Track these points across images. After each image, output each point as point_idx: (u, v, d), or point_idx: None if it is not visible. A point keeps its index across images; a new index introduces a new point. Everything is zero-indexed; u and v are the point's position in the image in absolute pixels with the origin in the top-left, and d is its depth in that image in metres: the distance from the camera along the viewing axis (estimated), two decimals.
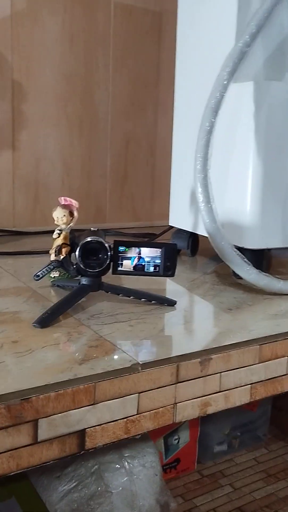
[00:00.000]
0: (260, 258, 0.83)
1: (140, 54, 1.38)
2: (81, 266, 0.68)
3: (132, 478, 0.89)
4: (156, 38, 1.39)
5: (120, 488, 0.87)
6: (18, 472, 0.46)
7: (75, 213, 0.80)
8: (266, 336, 0.61)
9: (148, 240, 1.17)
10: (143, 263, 0.70)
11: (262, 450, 1.33)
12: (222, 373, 0.57)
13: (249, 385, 0.59)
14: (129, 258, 0.70)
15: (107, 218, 1.42)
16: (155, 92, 1.42)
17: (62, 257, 0.76)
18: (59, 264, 0.73)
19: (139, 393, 0.51)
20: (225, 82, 0.73)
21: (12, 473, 0.46)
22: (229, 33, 0.81)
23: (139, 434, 0.53)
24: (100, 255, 0.68)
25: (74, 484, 0.86)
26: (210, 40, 0.89)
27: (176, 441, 1.19)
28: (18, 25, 1.19)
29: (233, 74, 0.74)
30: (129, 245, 0.70)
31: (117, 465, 0.89)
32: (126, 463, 0.90)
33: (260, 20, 0.73)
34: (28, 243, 1.14)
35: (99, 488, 0.86)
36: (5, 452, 0.45)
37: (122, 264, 0.70)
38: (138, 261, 0.71)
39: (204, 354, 0.55)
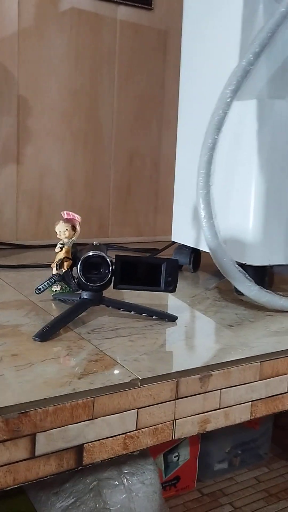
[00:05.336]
0: (262, 275, 0.83)
1: (145, 71, 1.39)
2: (82, 280, 0.68)
3: (131, 496, 0.88)
4: (161, 55, 1.40)
5: (119, 506, 0.86)
6: (15, 486, 0.46)
7: (78, 227, 0.80)
8: (267, 353, 0.61)
9: (150, 255, 1.17)
10: (144, 278, 0.70)
11: (263, 469, 1.32)
12: (222, 389, 0.56)
13: (250, 403, 0.59)
14: (130, 273, 0.70)
15: (109, 233, 1.43)
16: (160, 108, 1.44)
17: (63, 271, 0.76)
18: (61, 278, 0.74)
19: (138, 408, 0.51)
20: (228, 100, 0.74)
21: (9, 488, 0.45)
22: (233, 51, 0.82)
23: (137, 450, 0.52)
24: (101, 270, 0.68)
25: (72, 500, 0.85)
26: (214, 58, 0.90)
27: (176, 458, 1.18)
28: (25, 41, 1.21)
29: (237, 92, 0.75)
30: (130, 259, 0.70)
31: (116, 482, 0.88)
32: (125, 480, 0.89)
33: (263, 39, 0.74)
34: (30, 257, 1.14)
35: (97, 505, 0.85)
36: (2, 466, 0.44)
37: (123, 278, 0.70)
38: (140, 276, 0.71)
39: (205, 370, 0.55)
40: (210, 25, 0.91)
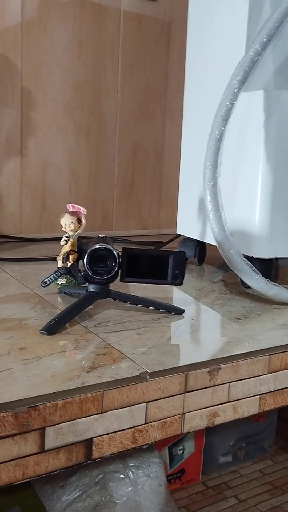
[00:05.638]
0: (269, 268, 0.82)
1: (149, 62, 1.38)
2: (89, 273, 0.67)
3: (136, 489, 0.88)
4: (165, 46, 1.39)
5: (124, 499, 0.86)
6: (24, 481, 0.46)
7: (83, 220, 0.79)
8: (275, 347, 0.60)
9: (156, 248, 1.17)
10: (151, 271, 0.70)
11: (268, 462, 1.32)
12: (231, 383, 0.56)
13: (258, 396, 0.58)
14: (137, 266, 0.69)
15: (113, 226, 1.42)
16: (163, 100, 1.43)
17: (69, 264, 0.76)
18: (67, 271, 0.73)
19: (147, 402, 0.51)
20: (235, 91, 0.73)
21: (18, 482, 0.45)
22: (240, 42, 0.81)
23: (146, 444, 0.52)
24: (108, 263, 0.67)
25: (78, 493, 0.85)
26: (220, 49, 0.89)
27: (181, 451, 1.18)
28: (28, 32, 1.20)
29: (244, 83, 0.74)
30: (137, 252, 0.70)
31: (121, 475, 0.88)
32: (131, 473, 0.89)
33: (270, 29, 0.73)
34: (34, 250, 1.13)
35: (103, 498, 0.85)
36: (11, 460, 0.44)
37: (130, 271, 0.69)
38: (147, 268, 0.70)
39: (213, 364, 0.55)
40: (216, 15, 0.90)
